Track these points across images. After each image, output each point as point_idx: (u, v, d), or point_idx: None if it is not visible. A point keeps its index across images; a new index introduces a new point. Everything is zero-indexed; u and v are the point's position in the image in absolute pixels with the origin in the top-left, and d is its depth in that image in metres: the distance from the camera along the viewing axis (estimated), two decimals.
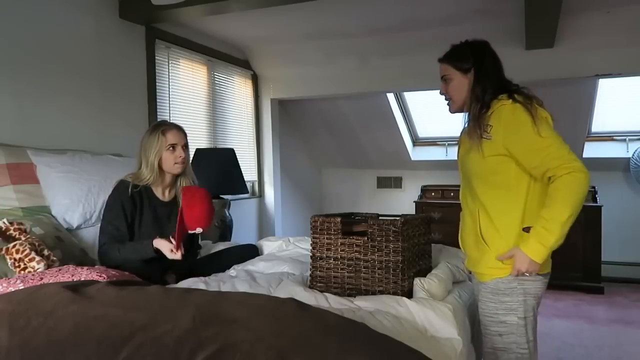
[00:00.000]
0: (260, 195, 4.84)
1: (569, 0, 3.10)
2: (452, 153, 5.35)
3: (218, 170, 3.48)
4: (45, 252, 2.00)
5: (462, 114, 1.89)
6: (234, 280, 2.10)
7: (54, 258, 2.01)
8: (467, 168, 1.83)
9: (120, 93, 3.21)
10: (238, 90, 4.56)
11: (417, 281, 1.91)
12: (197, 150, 3.56)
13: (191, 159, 3.17)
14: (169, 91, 3.65)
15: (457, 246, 2.51)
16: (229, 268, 2.41)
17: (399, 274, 1.86)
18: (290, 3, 3.03)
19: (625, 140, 4.83)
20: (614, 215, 4.74)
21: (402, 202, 5.65)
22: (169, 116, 3.61)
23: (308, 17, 3.65)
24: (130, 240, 2.32)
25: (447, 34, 3.65)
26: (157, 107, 3.51)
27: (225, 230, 3.51)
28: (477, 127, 1.73)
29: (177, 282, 2.18)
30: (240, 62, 4.54)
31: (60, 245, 2.15)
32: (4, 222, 2.04)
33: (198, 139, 3.91)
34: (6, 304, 1.41)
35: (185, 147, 2.43)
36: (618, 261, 4.86)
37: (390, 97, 4.96)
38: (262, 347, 1.12)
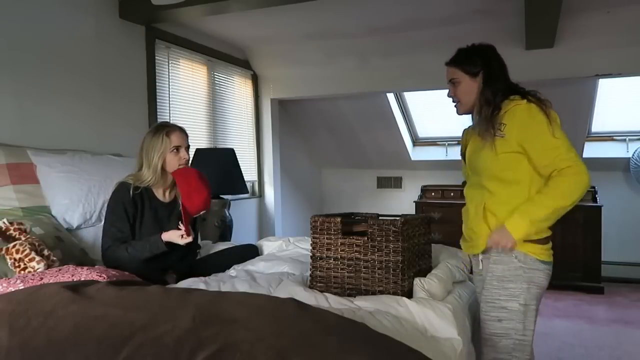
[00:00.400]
0: (260, 195, 4.84)
1: (569, 0, 3.10)
2: (452, 153, 5.35)
3: (218, 170, 3.48)
4: (45, 252, 2.00)
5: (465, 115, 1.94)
6: (234, 280, 2.10)
7: (54, 258, 2.01)
8: (478, 166, 1.88)
9: (120, 93, 3.21)
10: (238, 90, 4.56)
11: (417, 281, 1.91)
12: (197, 150, 3.56)
13: (191, 159, 3.18)
14: (169, 91, 3.65)
15: (458, 246, 2.51)
16: (229, 268, 2.41)
17: (399, 274, 1.86)
18: (290, 3, 3.03)
19: (625, 140, 4.83)
20: (614, 215, 4.74)
21: (402, 202, 5.65)
22: (169, 116, 3.61)
23: (308, 17, 3.65)
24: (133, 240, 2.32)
25: (447, 34, 3.68)
26: (157, 107, 3.51)
27: (225, 230, 3.51)
28: (490, 127, 1.79)
29: (177, 282, 2.18)
30: (240, 62, 4.54)
31: (60, 245, 2.15)
32: (4, 222, 2.04)
33: (198, 139, 3.90)
34: (6, 304, 1.41)
35: (187, 148, 2.45)
36: (618, 261, 4.86)
37: (390, 97, 4.96)
38: (262, 347, 1.12)
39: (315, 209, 6.03)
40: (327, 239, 1.98)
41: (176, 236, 2.24)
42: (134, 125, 3.25)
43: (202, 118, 4.04)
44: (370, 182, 6.00)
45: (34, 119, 2.66)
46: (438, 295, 1.90)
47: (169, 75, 3.65)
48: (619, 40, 3.54)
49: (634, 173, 4.73)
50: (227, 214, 3.58)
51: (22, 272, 1.87)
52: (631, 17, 3.40)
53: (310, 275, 2.02)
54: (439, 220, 4.67)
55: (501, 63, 1.89)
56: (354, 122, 5.32)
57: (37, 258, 1.92)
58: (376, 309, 1.68)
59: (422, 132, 5.57)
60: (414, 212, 5.09)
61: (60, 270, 1.81)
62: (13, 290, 1.61)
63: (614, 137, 4.88)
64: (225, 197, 3.61)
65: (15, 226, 2.04)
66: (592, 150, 4.80)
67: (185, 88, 3.85)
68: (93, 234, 2.48)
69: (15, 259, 1.91)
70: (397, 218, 1.94)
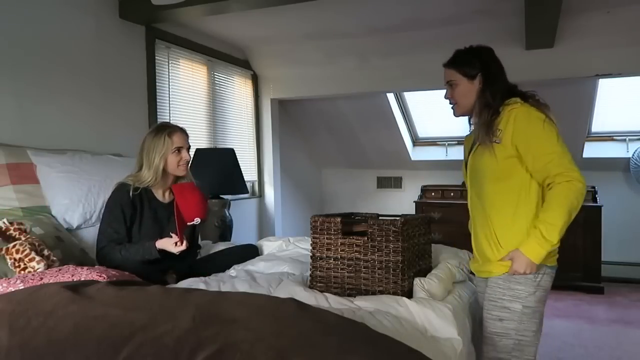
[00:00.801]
0: (260, 195, 4.84)
1: (569, 0, 3.10)
2: (452, 153, 5.35)
3: (218, 170, 3.48)
4: (45, 252, 2.00)
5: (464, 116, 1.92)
6: (234, 280, 2.10)
7: (54, 258, 2.01)
8: (480, 173, 1.85)
9: (120, 93, 3.21)
10: (238, 90, 4.56)
11: (417, 281, 1.91)
12: (197, 150, 3.56)
13: (191, 159, 3.17)
14: (169, 91, 3.65)
15: (457, 246, 2.51)
16: (229, 268, 2.41)
17: (399, 274, 1.86)
18: (290, 3, 3.03)
19: (625, 140, 4.82)
20: (614, 216, 4.74)
21: (402, 202, 5.65)
22: (169, 116, 3.61)
23: (308, 17, 3.65)
24: (129, 242, 2.32)
25: (447, 34, 3.68)
26: (157, 107, 3.51)
27: (225, 230, 3.51)
28: (489, 132, 1.77)
29: (177, 282, 2.18)
30: (240, 62, 4.54)
31: (60, 245, 2.15)
32: (4, 222, 2.04)
33: (198, 139, 3.90)
34: (6, 304, 1.41)
35: (188, 149, 2.45)
36: (618, 261, 4.86)
37: (390, 97, 4.96)
38: (262, 347, 1.12)
39: (315, 209, 6.03)
40: (327, 239, 1.98)
41: (170, 244, 2.22)
42: (134, 125, 3.25)
43: (202, 118, 4.04)
44: (370, 182, 6.00)
45: (34, 119, 2.66)
46: (438, 295, 1.90)
47: (169, 75, 3.65)
48: (619, 40, 3.54)
49: (634, 173, 4.73)
50: (227, 214, 3.58)
51: (22, 272, 1.87)
52: (631, 17, 3.40)
53: (310, 275, 2.02)
54: (439, 220, 4.67)
55: (499, 65, 1.87)
56: (354, 122, 5.32)
57: (37, 258, 1.92)
58: (376, 309, 1.68)
59: (422, 132, 5.57)
60: (414, 212, 5.09)
61: (60, 270, 1.81)
62: (13, 290, 1.61)
63: (614, 137, 4.88)
64: (225, 197, 3.61)
65: (15, 226, 2.04)
66: (592, 150, 4.80)
67: (185, 88, 3.85)
68: (93, 234, 2.48)
69: (15, 259, 1.90)
70: (397, 218, 1.94)
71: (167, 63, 3.64)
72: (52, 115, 2.76)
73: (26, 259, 1.90)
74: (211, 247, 2.89)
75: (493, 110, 1.79)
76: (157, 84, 3.51)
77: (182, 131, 2.44)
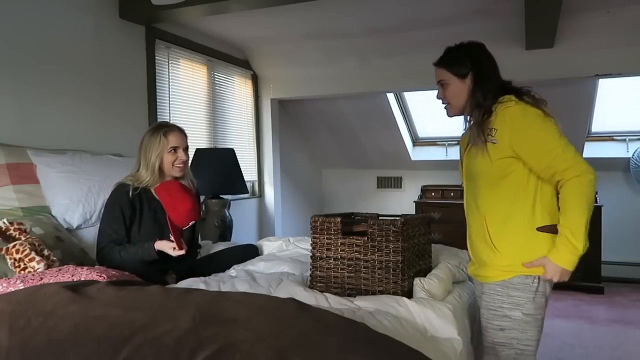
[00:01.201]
0: (260, 195, 4.84)
1: (569, 0, 3.10)
2: (452, 153, 5.35)
3: (218, 170, 3.48)
4: (45, 252, 2.00)
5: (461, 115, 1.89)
6: (234, 280, 2.10)
7: (54, 258, 2.01)
8: (474, 173, 1.81)
9: (120, 93, 3.21)
10: (238, 90, 4.56)
11: (417, 281, 1.91)
12: (197, 150, 3.56)
13: (191, 159, 3.17)
14: (169, 91, 3.65)
15: (457, 246, 2.50)
16: (229, 268, 2.41)
17: (399, 274, 1.86)
18: (290, 3, 3.03)
19: (625, 140, 4.82)
20: (614, 215, 4.74)
21: (402, 202, 5.65)
22: (169, 116, 3.61)
23: (308, 17, 3.65)
24: (128, 242, 2.32)
25: (447, 34, 3.67)
26: (157, 107, 3.51)
27: (225, 230, 3.51)
28: (480, 132, 1.71)
29: (177, 282, 2.18)
30: (240, 62, 4.54)
31: (60, 245, 2.15)
32: (4, 222, 2.04)
33: (198, 139, 3.91)
34: (6, 304, 1.41)
35: (186, 149, 2.43)
36: (618, 261, 4.86)
37: (390, 97, 4.96)
38: (262, 347, 1.12)
39: (315, 209, 6.03)
40: (327, 239, 1.98)
41: (168, 247, 2.21)
42: (134, 125, 3.25)
43: (202, 118, 4.04)
44: (370, 182, 6.00)
45: (34, 119, 2.66)
46: (438, 295, 1.90)
47: (169, 75, 3.65)
48: (619, 40, 3.54)
49: (634, 173, 4.73)
50: (227, 214, 3.58)
51: (22, 272, 1.87)
52: (631, 17, 3.40)
53: (310, 275, 2.02)
54: (439, 220, 4.67)
55: (491, 61, 1.80)
56: (354, 122, 5.32)
57: (37, 258, 1.92)
58: (376, 309, 1.68)
59: (422, 132, 5.57)
60: (414, 212, 5.09)
61: (60, 270, 1.81)
62: (13, 290, 1.61)
63: (614, 137, 4.88)
64: (225, 197, 3.61)
65: (15, 226, 2.04)
66: (592, 150, 4.80)
67: (185, 88, 3.85)
68: (93, 234, 2.48)
69: (15, 259, 1.90)
70: (397, 218, 1.94)
71: (167, 63, 3.64)
72: (52, 115, 2.76)
73: (26, 259, 1.90)
74: (211, 247, 2.89)
75: (484, 110, 1.72)
76: (157, 84, 3.51)
77: (180, 130, 2.42)
